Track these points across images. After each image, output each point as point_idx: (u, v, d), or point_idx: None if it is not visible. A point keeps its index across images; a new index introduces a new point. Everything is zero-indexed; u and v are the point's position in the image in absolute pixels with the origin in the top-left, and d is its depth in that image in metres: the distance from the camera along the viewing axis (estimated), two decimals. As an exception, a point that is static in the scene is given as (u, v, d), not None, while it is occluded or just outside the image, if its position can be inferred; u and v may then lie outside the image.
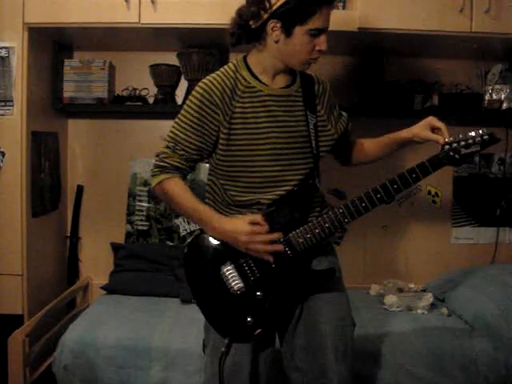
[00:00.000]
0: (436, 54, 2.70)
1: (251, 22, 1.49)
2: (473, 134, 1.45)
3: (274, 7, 1.44)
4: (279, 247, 1.48)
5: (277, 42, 1.49)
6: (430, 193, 2.82)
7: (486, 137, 1.44)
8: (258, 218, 1.48)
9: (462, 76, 2.74)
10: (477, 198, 2.82)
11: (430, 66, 2.74)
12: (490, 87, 2.60)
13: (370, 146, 1.76)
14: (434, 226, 2.82)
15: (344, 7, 2.36)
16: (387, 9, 2.22)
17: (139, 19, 2.22)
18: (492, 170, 2.82)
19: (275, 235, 1.48)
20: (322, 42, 1.48)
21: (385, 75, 2.60)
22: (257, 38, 1.52)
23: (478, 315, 2.15)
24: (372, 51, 2.56)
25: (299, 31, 1.45)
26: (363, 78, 2.62)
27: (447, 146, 1.46)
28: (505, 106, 2.58)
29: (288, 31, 1.46)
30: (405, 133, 1.61)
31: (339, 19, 2.24)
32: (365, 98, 2.59)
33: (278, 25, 1.46)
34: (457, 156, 1.45)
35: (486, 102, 2.60)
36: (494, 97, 2.59)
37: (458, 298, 2.36)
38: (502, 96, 2.58)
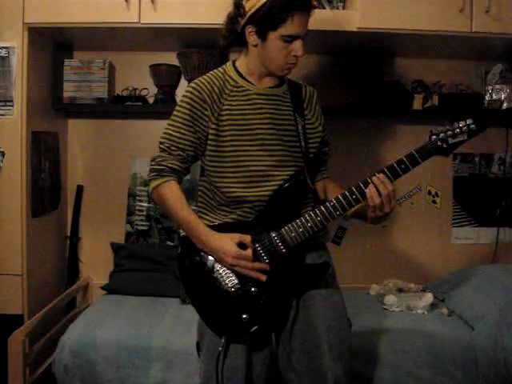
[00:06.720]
0: (436, 54, 2.70)
1: (236, 26, 1.55)
2: (460, 123, 1.45)
3: (248, 13, 1.49)
4: (263, 278, 1.48)
5: (255, 46, 1.53)
6: (430, 193, 2.82)
7: (472, 126, 1.44)
8: (247, 239, 1.49)
9: (462, 76, 2.74)
10: (477, 198, 2.82)
11: (430, 66, 2.75)
12: (490, 87, 2.60)
13: (330, 190, 1.72)
14: (434, 226, 2.81)
15: (344, 7, 2.35)
16: (387, 9, 2.22)
17: (139, 19, 2.22)
18: (492, 169, 2.82)
19: (262, 265, 1.48)
20: (297, 48, 1.50)
21: (385, 75, 2.59)
22: (243, 41, 1.56)
23: (478, 315, 2.14)
24: (372, 51, 2.56)
25: (272, 36, 1.49)
26: (363, 78, 2.62)
27: (434, 136, 1.46)
28: (505, 105, 2.58)
29: (263, 36, 1.50)
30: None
31: (339, 19, 2.24)
32: (365, 98, 2.59)
33: (254, 30, 1.51)
34: (444, 145, 1.46)
35: (486, 101, 2.60)
36: (494, 97, 2.59)
37: (457, 297, 2.36)
38: (502, 96, 2.58)
